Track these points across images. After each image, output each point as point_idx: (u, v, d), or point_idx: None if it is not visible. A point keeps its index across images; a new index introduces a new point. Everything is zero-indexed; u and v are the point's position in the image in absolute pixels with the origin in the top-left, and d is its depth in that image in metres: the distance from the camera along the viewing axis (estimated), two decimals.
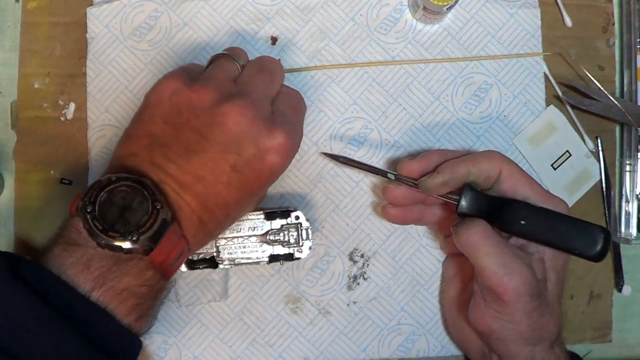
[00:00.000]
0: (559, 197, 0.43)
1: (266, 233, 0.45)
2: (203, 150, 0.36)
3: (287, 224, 0.45)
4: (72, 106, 0.50)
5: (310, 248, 0.45)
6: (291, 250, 0.45)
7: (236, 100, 0.36)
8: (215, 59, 0.41)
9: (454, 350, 0.49)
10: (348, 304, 0.49)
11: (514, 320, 0.40)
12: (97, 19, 0.49)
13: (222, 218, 0.38)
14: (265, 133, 0.36)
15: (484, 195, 0.43)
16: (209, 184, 0.36)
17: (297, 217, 0.45)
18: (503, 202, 0.42)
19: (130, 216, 0.34)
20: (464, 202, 0.42)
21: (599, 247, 0.40)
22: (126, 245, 0.33)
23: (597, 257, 0.41)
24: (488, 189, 0.43)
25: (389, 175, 0.44)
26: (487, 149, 0.46)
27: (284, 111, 0.39)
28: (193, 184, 0.35)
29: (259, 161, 0.37)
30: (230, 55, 0.41)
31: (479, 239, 0.40)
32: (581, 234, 0.41)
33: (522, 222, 0.41)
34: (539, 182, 0.42)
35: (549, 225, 0.41)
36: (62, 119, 0.50)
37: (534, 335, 0.40)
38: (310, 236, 0.45)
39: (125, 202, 0.34)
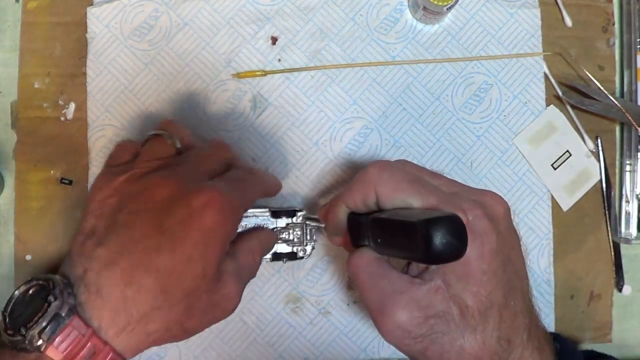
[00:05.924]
0: (459, 184, 0.37)
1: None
2: (132, 222, 0.35)
3: (293, 222, 0.45)
4: (72, 106, 0.50)
5: (313, 248, 0.45)
6: (295, 249, 0.45)
7: (159, 173, 0.37)
8: (147, 140, 0.41)
9: None
10: (348, 304, 0.49)
11: (412, 357, 0.36)
12: (97, 19, 0.49)
13: (154, 291, 0.34)
14: (195, 191, 0.35)
15: (360, 221, 0.37)
16: (138, 252, 0.34)
17: (303, 217, 0.45)
18: (369, 223, 0.35)
19: (25, 312, 0.33)
20: (351, 238, 0.39)
21: (422, 247, 0.30)
22: (17, 339, 0.33)
23: (431, 258, 0.30)
24: (380, 210, 0.37)
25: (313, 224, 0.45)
26: (363, 170, 0.38)
27: (227, 181, 0.38)
28: (119, 259, 0.34)
29: (191, 219, 0.35)
30: (163, 134, 0.40)
31: (355, 271, 0.37)
32: (408, 235, 0.32)
33: (379, 241, 0.34)
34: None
35: (391, 237, 0.33)
36: (62, 119, 0.50)
37: None
38: (314, 237, 0.45)
39: (31, 301, 0.34)
